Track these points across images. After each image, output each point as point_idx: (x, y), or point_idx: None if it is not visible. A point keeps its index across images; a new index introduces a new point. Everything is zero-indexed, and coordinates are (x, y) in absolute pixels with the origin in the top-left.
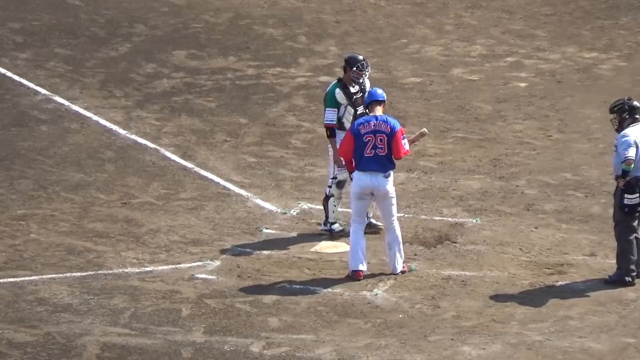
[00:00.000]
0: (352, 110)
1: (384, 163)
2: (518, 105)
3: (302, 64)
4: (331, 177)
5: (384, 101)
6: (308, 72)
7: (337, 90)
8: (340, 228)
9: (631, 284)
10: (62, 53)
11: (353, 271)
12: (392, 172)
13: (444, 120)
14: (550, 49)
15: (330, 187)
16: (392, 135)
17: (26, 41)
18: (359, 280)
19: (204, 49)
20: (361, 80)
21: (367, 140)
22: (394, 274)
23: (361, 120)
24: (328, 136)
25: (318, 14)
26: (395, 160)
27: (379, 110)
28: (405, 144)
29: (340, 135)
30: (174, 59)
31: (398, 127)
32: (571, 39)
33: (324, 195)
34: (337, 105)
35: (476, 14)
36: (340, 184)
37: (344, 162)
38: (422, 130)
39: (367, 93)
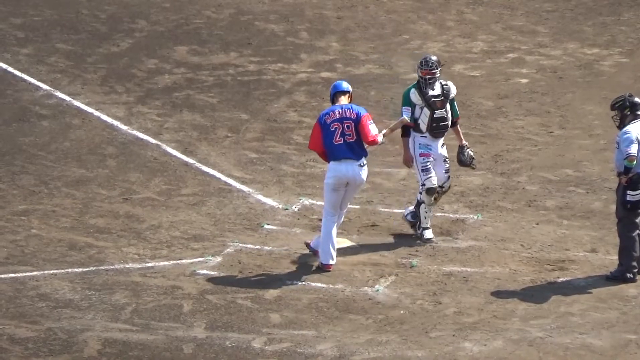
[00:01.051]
0: (429, 112)
1: (355, 150)
2: (519, 101)
3: (303, 60)
4: (420, 183)
5: (349, 92)
6: (309, 68)
7: (413, 90)
8: (431, 236)
9: (632, 280)
10: (63, 48)
11: (323, 264)
12: (365, 161)
13: None
14: (551, 45)
15: (420, 193)
16: (358, 120)
17: (27, 36)
18: (329, 272)
19: (206, 45)
20: (431, 81)
21: (334, 128)
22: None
23: (326, 110)
24: (401, 135)
25: (319, 9)
26: (367, 147)
27: (343, 100)
28: (373, 128)
29: (416, 136)
30: (176, 54)
31: (364, 112)
32: (573, 35)
33: (416, 201)
34: (411, 104)
35: (478, 10)
36: (429, 191)
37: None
38: (401, 117)
39: (332, 85)
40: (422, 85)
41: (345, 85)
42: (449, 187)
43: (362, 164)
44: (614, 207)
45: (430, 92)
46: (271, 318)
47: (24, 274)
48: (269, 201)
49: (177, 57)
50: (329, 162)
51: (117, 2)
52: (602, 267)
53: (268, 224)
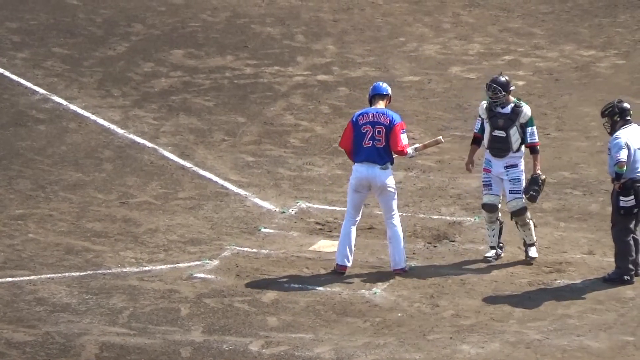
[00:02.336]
0: (488, 129)
1: (382, 155)
2: None
3: (300, 63)
4: None
5: (387, 95)
6: (306, 71)
7: (482, 102)
8: (489, 256)
9: (630, 282)
10: (59, 52)
11: (338, 265)
12: (389, 166)
13: (442, 119)
14: (548, 47)
15: None
16: (390, 127)
17: (24, 41)
18: (343, 274)
19: (202, 48)
20: (495, 103)
21: (364, 130)
22: (394, 271)
23: (361, 111)
24: (471, 142)
25: (316, 12)
26: (394, 154)
27: (380, 104)
28: (404, 138)
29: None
30: (172, 58)
31: (398, 120)
32: (569, 37)
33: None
34: (479, 115)
35: (474, 12)
36: (484, 207)
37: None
38: (437, 137)
39: (371, 86)
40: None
41: (385, 87)
42: (517, 208)
43: (383, 167)
44: (610, 210)
45: (499, 110)
46: (268, 321)
47: (21, 278)
48: (266, 204)
49: (173, 61)
50: (354, 163)
51: (113, 6)
52: (599, 269)
53: (265, 228)
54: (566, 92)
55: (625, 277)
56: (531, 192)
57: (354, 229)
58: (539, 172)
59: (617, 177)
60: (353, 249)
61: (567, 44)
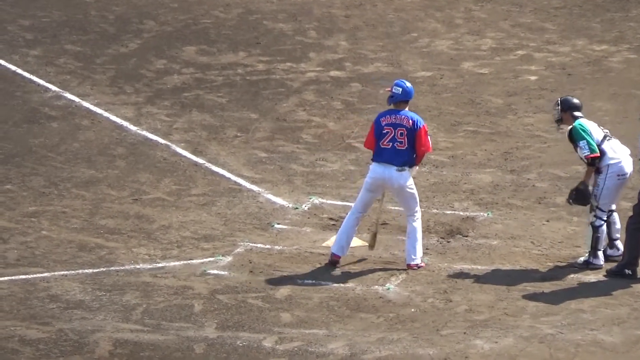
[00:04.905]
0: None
1: (401, 157)
2: (528, 98)
3: (312, 59)
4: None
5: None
6: (318, 67)
7: None
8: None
9: (631, 276)
10: (72, 50)
11: (332, 253)
12: (407, 168)
13: (454, 114)
14: (560, 41)
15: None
16: (414, 130)
17: (36, 38)
18: (335, 261)
19: (214, 45)
20: (554, 117)
21: (385, 131)
22: (408, 266)
23: (384, 112)
24: None
25: (328, 8)
26: (420, 155)
27: (404, 107)
28: (429, 140)
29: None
30: (184, 54)
31: (422, 123)
32: (581, 31)
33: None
34: None
35: (486, 7)
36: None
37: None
38: None
39: (402, 90)
40: None
41: (413, 93)
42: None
43: (400, 169)
44: (623, 204)
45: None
46: (282, 317)
47: (35, 276)
48: (279, 200)
49: (185, 57)
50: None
51: (126, 3)
52: (612, 264)
53: (278, 224)
54: (578, 87)
55: (627, 270)
56: (570, 199)
57: (355, 225)
58: (585, 182)
59: None
60: (350, 242)
61: (579, 38)
